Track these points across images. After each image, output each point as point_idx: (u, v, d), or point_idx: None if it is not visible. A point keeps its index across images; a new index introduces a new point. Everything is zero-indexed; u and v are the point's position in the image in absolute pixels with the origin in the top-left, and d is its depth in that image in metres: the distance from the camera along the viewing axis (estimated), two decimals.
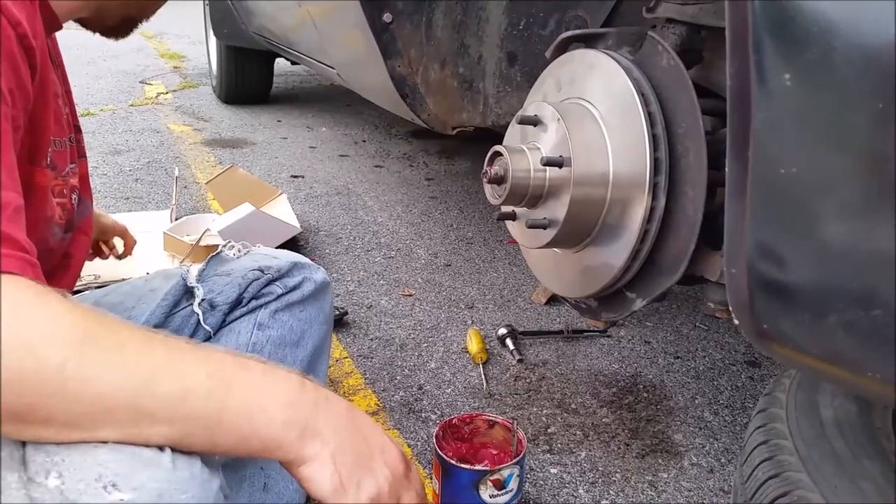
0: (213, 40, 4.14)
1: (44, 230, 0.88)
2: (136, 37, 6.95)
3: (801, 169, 0.62)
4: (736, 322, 0.73)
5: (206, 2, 4.14)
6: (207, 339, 1.12)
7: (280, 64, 4.18)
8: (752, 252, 0.68)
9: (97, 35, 0.98)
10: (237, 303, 1.13)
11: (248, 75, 4.11)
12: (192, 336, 1.12)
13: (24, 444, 0.73)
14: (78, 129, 1.02)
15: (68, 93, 1.00)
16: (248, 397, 0.68)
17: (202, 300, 1.10)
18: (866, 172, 0.60)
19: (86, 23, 0.95)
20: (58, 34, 0.93)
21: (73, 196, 0.95)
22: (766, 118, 0.64)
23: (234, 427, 0.68)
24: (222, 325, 1.12)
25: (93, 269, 1.87)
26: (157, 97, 4.42)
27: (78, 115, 1.03)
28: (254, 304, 1.13)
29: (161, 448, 0.76)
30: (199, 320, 1.11)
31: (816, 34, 0.60)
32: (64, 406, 0.63)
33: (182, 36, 6.88)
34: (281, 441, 0.69)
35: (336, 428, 0.72)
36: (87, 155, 1.19)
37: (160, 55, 6.05)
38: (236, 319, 1.13)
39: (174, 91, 4.64)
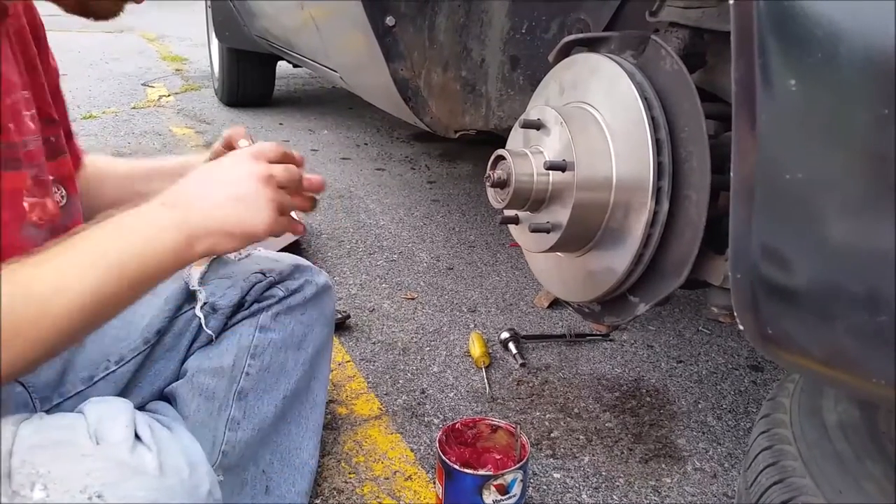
0: (215, 43, 4.14)
1: (12, 233, 0.87)
2: (137, 39, 6.92)
3: (806, 173, 0.62)
4: (740, 326, 0.73)
5: (208, 4, 4.15)
6: (209, 342, 1.12)
7: (282, 67, 4.18)
8: (757, 256, 0.68)
9: (89, 20, 0.95)
10: (239, 306, 1.13)
11: (249, 78, 4.11)
12: (193, 340, 1.12)
13: (10, 455, 0.72)
14: (52, 123, 1.01)
15: (37, 86, 1.00)
16: (139, 256, 0.78)
17: (204, 304, 1.10)
18: (872, 177, 0.59)
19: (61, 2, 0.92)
20: (60, 36, 0.92)
21: (59, 195, 0.95)
22: (771, 122, 0.64)
23: (145, 279, 0.79)
24: (224, 327, 1.13)
25: None
26: (159, 100, 4.43)
27: (53, 109, 1.02)
28: (256, 307, 1.13)
29: (149, 450, 0.76)
30: (200, 324, 1.11)
31: (822, 38, 0.60)
32: (35, 348, 0.73)
33: (184, 38, 6.88)
34: (182, 259, 0.81)
35: (206, 215, 0.81)
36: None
37: (162, 58, 6.06)
38: (238, 322, 1.13)
39: (176, 94, 4.64)
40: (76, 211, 1.01)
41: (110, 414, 0.81)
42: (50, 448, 0.74)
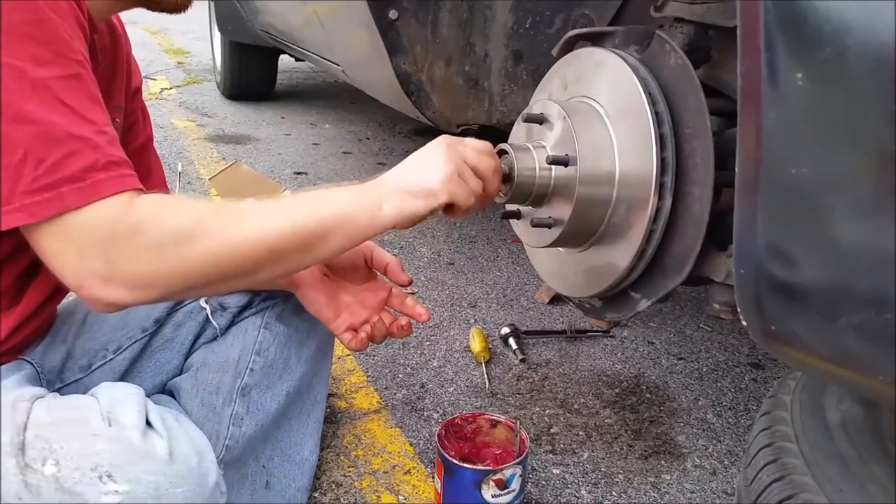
0: (217, 36, 4.13)
1: None
2: (140, 32, 6.88)
3: (812, 169, 0.62)
4: (743, 323, 0.73)
5: None
6: (214, 338, 1.13)
7: (284, 60, 4.18)
8: (761, 252, 0.67)
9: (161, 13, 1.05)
10: (247, 305, 1.14)
11: (252, 71, 4.10)
12: (199, 333, 1.13)
13: (25, 429, 0.73)
14: (118, 109, 1.11)
15: (115, 83, 1.10)
16: (336, 210, 0.87)
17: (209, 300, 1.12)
18: (878, 172, 0.59)
19: (149, 4, 1.02)
20: None
21: None
22: (777, 118, 0.63)
23: (341, 231, 0.87)
24: (230, 324, 1.14)
25: None
26: (160, 93, 4.42)
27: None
28: (262, 305, 1.14)
29: (160, 437, 0.76)
30: (207, 317, 1.12)
31: (829, 33, 0.59)
32: (234, 258, 0.83)
33: (186, 32, 6.87)
34: (374, 219, 0.88)
35: (393, 180, 0.90)
36: None
37: (164, 51, 6.05)
38: (244, 319, 1.14)
39: (178, 87, 4.64)
40: None
41: (122, 398, 0.82)
42: (63, 426, 0.75)
